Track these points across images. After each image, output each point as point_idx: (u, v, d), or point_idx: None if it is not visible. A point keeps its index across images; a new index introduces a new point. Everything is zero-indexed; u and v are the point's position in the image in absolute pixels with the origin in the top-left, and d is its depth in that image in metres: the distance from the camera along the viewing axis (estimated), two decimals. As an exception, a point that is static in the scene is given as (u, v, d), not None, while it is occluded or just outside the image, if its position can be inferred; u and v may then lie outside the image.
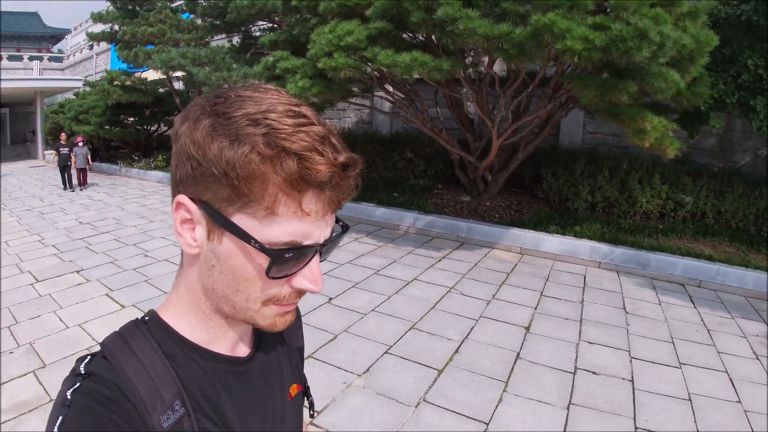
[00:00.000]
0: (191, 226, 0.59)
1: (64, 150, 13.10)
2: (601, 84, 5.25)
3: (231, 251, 0.57)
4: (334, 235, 0.61)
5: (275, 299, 0.60)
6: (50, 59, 21.36)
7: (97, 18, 14.49)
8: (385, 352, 4.13)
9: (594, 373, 4.00)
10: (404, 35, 6.29)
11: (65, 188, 13.04)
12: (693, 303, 5.93)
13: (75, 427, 0.51)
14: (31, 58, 20.48)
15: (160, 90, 14.43)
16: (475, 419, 3.27)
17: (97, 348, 0.62)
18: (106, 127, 14.77)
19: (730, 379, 4.09)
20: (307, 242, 0.56)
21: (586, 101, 5.69)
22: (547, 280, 6.22)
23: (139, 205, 10.82)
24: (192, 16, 13.83)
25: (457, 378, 3.77)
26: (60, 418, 0.52)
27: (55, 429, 0.52)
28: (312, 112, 0.57)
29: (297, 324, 0.86)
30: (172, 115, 15.35)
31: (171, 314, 0.65)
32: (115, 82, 13.38)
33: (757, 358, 4.55)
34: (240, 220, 0.55)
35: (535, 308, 5.22)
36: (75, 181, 13.33)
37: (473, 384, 3.69)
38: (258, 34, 13.17)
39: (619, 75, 5.41)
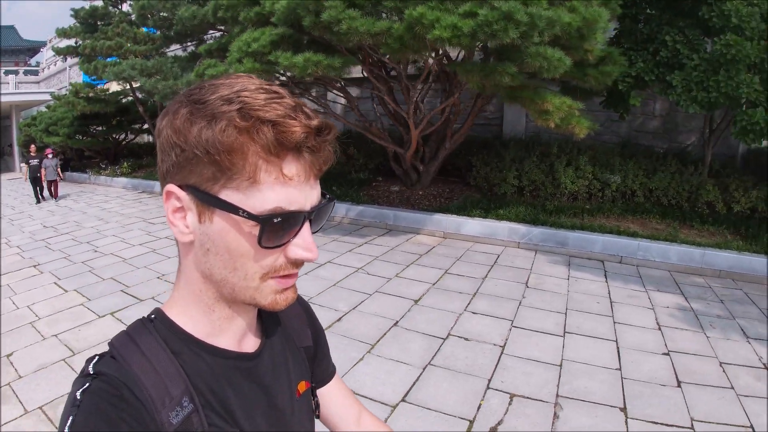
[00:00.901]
0: (183, 214, 0.60)
1: (34, 162, 13.26)
2: (482, 68, 5.64)
3: (223, 229, 0.58)
4: (321, 203, 0.63)
5: (272, 272, 0.61)
6: (25, 73, 21.74)
7: (62, 33, 14.93)
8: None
9: (466, 339, 4.26)
10: (310, 38, 6.69)
11: (38, 201, 13.07)
12: (606, 278, 6.16)
13: (85, 426, 0.52)
14: (6, 73, 20.87)
15: (123, 100, 14.88)
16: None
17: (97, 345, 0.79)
18: (76, 137, 15.21)
19: (617, 348, 4.20)
20: (293, 208, 0.57)
21: (474, 86, 6.06)
22: (458, 260, 6.61)
23: (100, 209, 11.33)
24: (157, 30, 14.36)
25: (329, 342, 4.21)
26: (70, 418, 0.53)
27: (66, 429, 0.52)
28: (284, 90, 0.59)
29: (305, 322, 0.87)
30: (138, 123, 15.78)
31: (175, 311, 0.66)
32: (80, 94, 13.83)
33: (659, 329, 4.66)
34: (227, 195, 0.57)
35: (434, 284, 5.59)
36: (46, 192, 13.44)
37: (342, 346, 4.05)
38: (212, 42, 13.67)
39: (501, 58, 5.81)
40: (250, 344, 0.71)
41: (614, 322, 4.76)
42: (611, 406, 3.35)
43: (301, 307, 0.89)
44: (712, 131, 8.58)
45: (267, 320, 0.77)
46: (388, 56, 6.57)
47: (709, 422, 3.24)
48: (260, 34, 6.42)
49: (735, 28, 7.07)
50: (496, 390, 3.50)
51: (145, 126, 15.74)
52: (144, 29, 14.08)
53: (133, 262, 6.76)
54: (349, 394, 0.96)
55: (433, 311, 4.84)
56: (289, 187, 0.57)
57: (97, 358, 0.60)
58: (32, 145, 14.19)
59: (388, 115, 9.17)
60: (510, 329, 4.48)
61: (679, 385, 3.67)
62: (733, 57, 6.80)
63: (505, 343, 4.20)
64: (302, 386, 0.79)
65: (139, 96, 13.96)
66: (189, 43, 12.81)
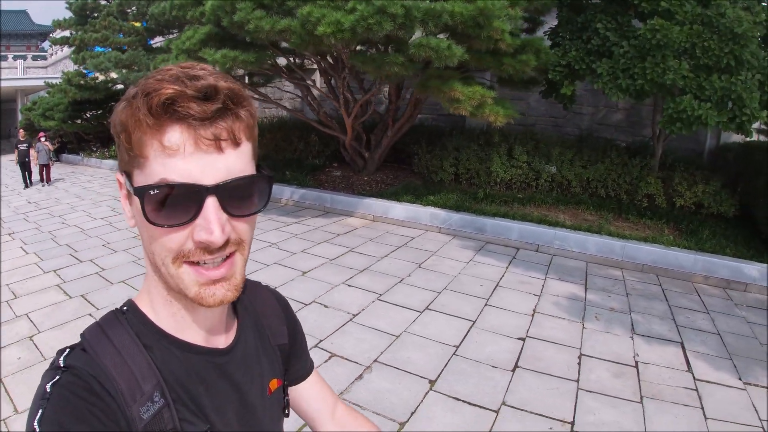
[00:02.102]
0: (129, 200, 0.61)
1: (23, 146, 13.23)
2: (373, 59, 6.17)
3: (136, 209, 0.57)
4: (236, 179, 0.57)
5: (182, 255, 0.57)
6: (34, 58, 22.82)
7: (57, 25, 15.95)
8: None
9: (325, 306, 4.75)
10: (232, 36, 7.35)
11: (26, 186, 13.01)
12: (509, 264, 6.33)
13: (54, 420, 0.52)
14: (15, 58, 21.99)
15: (114, 87, 15.76)
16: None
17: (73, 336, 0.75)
18: (69, 122, 16.19)
19: (470, 328, 4.40)
20: (182, 180, 0.54)
21: (372, 75, 6.60)
22: (371, 240, 7.15)
23: (82, 188, 12.28)
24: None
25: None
26: (40, 411, 0.53)
27: (35, 423, 0.52)
28: (206, 69, 0.57)
29: (281, 320, 0.86)
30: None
31: (144, 303, 0.66)
32: (72, 82, 14.75)
33: (532, 315, 4.78)
34: (135, 175, 0.56)
35: (332, 260, 6.16)
36: (36, 177, 13.39)
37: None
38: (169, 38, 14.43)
39: (393, 49, 6.31)
40: (222, 340, 0.71)
41: (485, 305, 4.96)
42: (421, 377, 3.58)
43: (279, 303, 0.89)
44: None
45: (242, 315, 0.76)
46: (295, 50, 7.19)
47: (522, 409, 3.28)
48: (193, 32, 7.13)
49: (664, 13, 6.83)
50: (322, 349, 3.91)
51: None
52: (143, 24, 15.01)
53: (89, 233, 7.69)
54: (325, 388, 0.95)
55: (313, 282, 5.40)
56: (175, 159, 0.54)
57: (68, 350, 0.60)
58: (21, 130, 14.43)
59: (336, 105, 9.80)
60: (373, 301, 4.91)
61: (513, 370, 3.77)
62: (659, 42, 6.61)
63: (358, 312, 4.65)
64: (273, 384, 0.78)
65: (121, 86, 14.89)
66: (172, 35, 13.61)
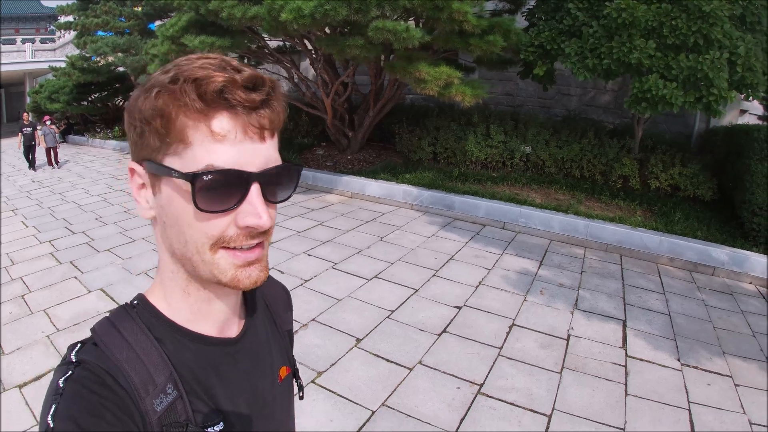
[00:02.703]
0: (145, 191, 0.61)
1: (27, 130, 13.09)
2: (335, 42, 6.48)
3: (169, 197, 0.58)
4: (277, 167, 0.60)
5: (222, 241, 0.59)
6: (42, 41, 23.35)
7: (61, 11, 16.48)
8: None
9: (281, 272, 5.17)
10: (212, 23, 7.70)
11: (31, 168, 13.04)
12: (470, 239, 6.55)
13: (68, 415, 0.52)
14: (23, 41, 22.56)
15: (116, 70, 16.23)
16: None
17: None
18: (73, 104, 16.76)
19: (410, 296, 4.70)
20: (228, 166, 0.55)
21: (337, 57, 6.90)
22: (342, 215, 7.51)
23: (84, 168, 12.84)
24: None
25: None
26: (53, 407, 0.53)
27: (49, 418, 0.52)
28: (232, 60, 0.59)
29: (286, 307, 0.88)
30: (132, 90, 17.24)
31: (157, 297, 0.66)
32: (75, 66, 15.25)
33: (477, 287, 4.98)
34: (169, 162, 0.57)
35: (300, 232, 6.56)
36: (43, 160, 13.43)
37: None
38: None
39: (357, 33, 6.54)
40: (234, 329, 0.71)
41: (433, 275, 5.21)
42: (350, 335, 3.90)
43: (284, 291, 0.91)
44: None
45: (251, 302, 0.77)
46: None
47: (436, 369, 3.53)
48: (177, 19, 7.48)
49: None
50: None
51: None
52: (142, 9, 15.42)
53: (84, 208, 8.29)
54: None
55: (276, 251, 5.78)
56: (223, 145, 0.55)
57: (79, 345, 0.60)
58: (25, 113, 14.38)
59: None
60: (327, 269, 5.30)
61: (439, 334, 4.01)
62: (625, 21, 6.55)
63: (310, 278, 5.04)
64: (283, 372, 0.79)
65: (122, 69, 15.37)
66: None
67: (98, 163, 13.50)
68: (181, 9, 7.73)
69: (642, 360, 3.98)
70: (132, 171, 0.62)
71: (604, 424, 3.20)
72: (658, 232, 6.77)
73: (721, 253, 6.39)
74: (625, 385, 3.62)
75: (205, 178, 0.55)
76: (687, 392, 3.62)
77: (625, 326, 4.50)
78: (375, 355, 3.72)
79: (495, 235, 6.94)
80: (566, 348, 4.02)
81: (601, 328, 4.42)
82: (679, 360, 4.04)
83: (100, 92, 17.21)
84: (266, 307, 0.82)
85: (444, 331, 4.10)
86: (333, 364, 3.59)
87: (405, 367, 3.58)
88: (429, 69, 6.85)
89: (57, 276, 5.24)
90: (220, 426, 0.64)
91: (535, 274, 5.54)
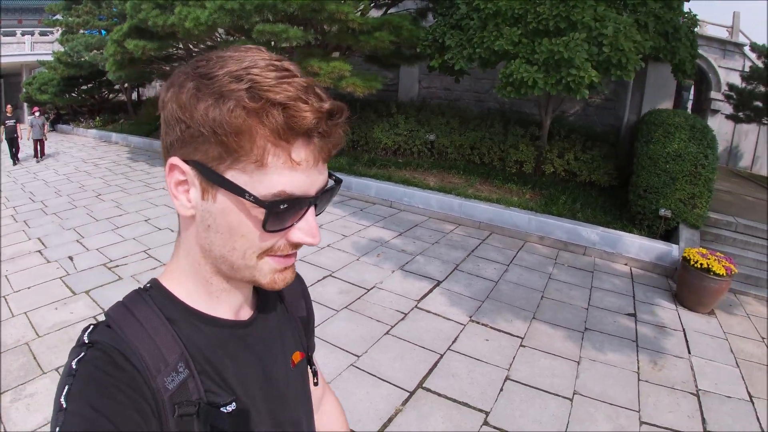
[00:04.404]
0: (185, 187, 0.61)
1: (10, 122, 12.94)
2: (228, 44, 7.92)
3: (226, 208, 0.59)
4: (327, 187, 0.63)
5: (271, 252, 0.62)
6: (41, 33, 24.79)
7: (49, 9, 18.21)
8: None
9: (152, 225, 6.75)
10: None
11: (14, 162, 12.89)
12: (349, 213, 7.35)
13: (80, 395, 0.53)
14: (23, 33, 24.09)
15: (98, 66, 17.88)
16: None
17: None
18: (60, 96, 18.50)
19: None
20: (299, 193, 0.58)
21: None
22: None
23: (62, 153, 14.36)
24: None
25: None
26: (66, 387, 0.54)
27: (62, 398, 0.53)
28: (294, 66, 0.59)
29: (299, 294, 0.90)
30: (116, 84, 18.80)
31: (172, 281, 0.68)
32: (60, 60, 16.89)
33: (323, 248, 5.55)
34: (232, 176, 0.57)
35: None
36: (28, 152, 13.57)
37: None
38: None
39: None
40: (246, 313, 0.73)
41: None
42: None
43: (296, 278, 0.87)
44: (549, 98, 8.59)
45: (262, 290, 0.77)
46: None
47: None
48: (122, 27, 9.07)
49: None
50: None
51: (125, 86, 18.85)
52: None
53: (52, 185, 9.72)
54: (319, 373, 0.95)
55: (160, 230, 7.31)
56: (297, 172, 0.57)
57: (92, 327, 0.61)
58: (8, 106, 14.42)
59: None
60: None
61: None
62: (490, 11, 6.91)
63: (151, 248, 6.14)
64: (297, 357, 0.81)
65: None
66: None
67: (76, 150, 15.01)
68: (125, 17, 9.30)
69: (428, 312, 4.32)
70: (173, 167, 0.60)
71: (345, 351, 3.74)
72: (530, 211, 7.29)
73: (591, 233, 6.76)
74: (391, 327, 4.02)
75: (281, 207, 0.57)
76: (454, 342, 3.94)
77: (437, 285, 4.89)
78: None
79: (379, 211, 7.73)
80: (362, 296, 4.48)
81: (411, 285, 4.82)
82: (470, 317, 4.32)
83: (86, 84, 18.89)
84: (277, 294, 0.82)
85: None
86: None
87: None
88: (321, 64, 7.93)
89: (14, 237, 6.54)
90: (233, 406, 0.65)
91: (386, 242, 6.11)
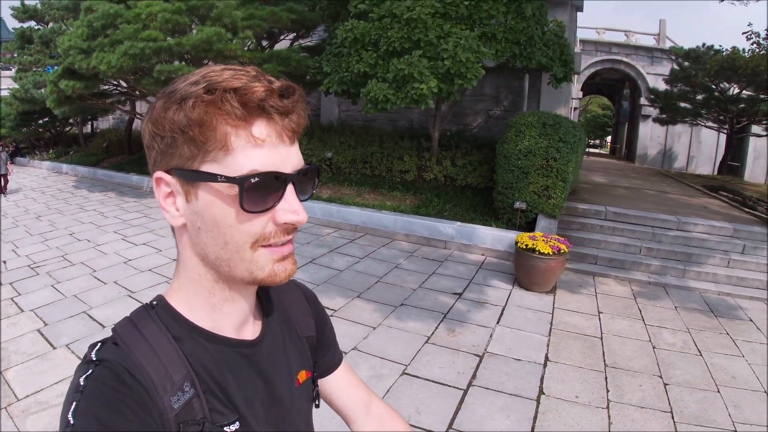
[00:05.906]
0: (173, 198, 0.63)
1: None
2: (138, 81, 9.48)
3: (208, 202, 0.61)
4: (305, 167, 0.65)
5: (262, 239, 0.62)
6: (2, 68, 25.56)
7: (6, 48, 19.53)
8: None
9: (75, 237, 7.98)
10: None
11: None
12: None
13: (88, 412, 0.54)
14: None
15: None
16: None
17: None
18: (17, 129, 19.59)
19: (156, 252, 6.99)
20: (271, 169, 0.60)
21: (148, 92, 9.76)
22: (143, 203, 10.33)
23: (15, 183, 15.31)
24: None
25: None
26: (74, 404, 0.55)
27: (69, 415, 0.54)
28: (251, 67, 0.62)
29: (308, 313, 0.90)
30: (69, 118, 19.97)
31: (177, 299, 0.69)
32: (17, 96, 18.01)
33: None
34: (206, 169, 0.60)
35: (127, 221, 9.41)
36: None
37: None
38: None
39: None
40: (250, 332, 0.74)
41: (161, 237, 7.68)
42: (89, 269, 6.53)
43: (305, 296, 0.93)
44: (436, 113, 9.28)
45: (268, 308, 0.80)
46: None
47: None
48: (58, 69, 10.33)
49: (361, 14, 7.80)
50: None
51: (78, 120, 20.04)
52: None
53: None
54: (358, 382, 0.98)
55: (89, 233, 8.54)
56: (263, 149, 0.59)
57: (99, 344, 0.62)
58: None
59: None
60: (120, 239, 8.00)
61: (126, 261, 6.43)
62: (351, 38, 7.52)
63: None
64: (302, 375, 0.81)
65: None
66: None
67: (28, 180, 16.07)
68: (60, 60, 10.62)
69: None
70: (159, 180, 0.63)
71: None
72: (396, 213, 8.02)
73: (449, 227, 7.44)
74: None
75: (252, 180, 0.58)
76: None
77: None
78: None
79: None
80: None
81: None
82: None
83: (42, 119, 20.06)
84: (284, 311, 0.84)
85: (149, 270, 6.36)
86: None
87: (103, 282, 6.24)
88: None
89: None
90: (236, 426, 0.66)
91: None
